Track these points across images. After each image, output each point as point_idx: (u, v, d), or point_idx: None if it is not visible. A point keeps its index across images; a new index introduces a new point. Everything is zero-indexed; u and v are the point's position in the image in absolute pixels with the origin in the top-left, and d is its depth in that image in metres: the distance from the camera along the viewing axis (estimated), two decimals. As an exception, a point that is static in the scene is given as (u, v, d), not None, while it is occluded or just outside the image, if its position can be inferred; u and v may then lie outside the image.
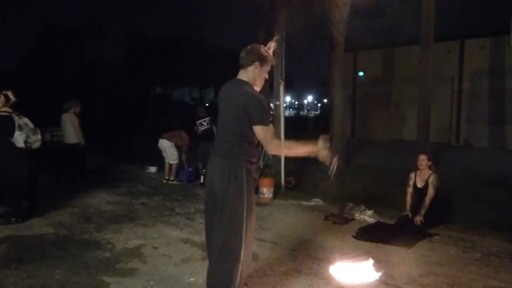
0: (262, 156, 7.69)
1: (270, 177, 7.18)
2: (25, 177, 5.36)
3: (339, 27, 9.34)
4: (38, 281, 3.53)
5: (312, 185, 8.12)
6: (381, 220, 5.74)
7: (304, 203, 6.80)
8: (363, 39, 14.55)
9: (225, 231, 2.76)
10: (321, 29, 11.02)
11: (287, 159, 8.00)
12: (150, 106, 29.58)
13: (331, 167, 3.05)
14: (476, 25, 15.59)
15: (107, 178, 8.63)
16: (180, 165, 8.72)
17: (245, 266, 2.86)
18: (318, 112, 63.44)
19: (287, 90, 8.31)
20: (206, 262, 3.08)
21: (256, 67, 2.83)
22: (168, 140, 8.46)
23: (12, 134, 5.29)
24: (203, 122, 8.60)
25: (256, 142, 2.83)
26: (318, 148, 2.87)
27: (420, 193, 5.51)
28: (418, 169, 5.65)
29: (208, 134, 8.06)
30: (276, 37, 2.88)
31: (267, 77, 2.94)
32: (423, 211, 5.28)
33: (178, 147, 8.58)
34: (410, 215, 5.43)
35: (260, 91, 2.93)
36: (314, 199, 6.92)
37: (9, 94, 5.38)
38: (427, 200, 5.35)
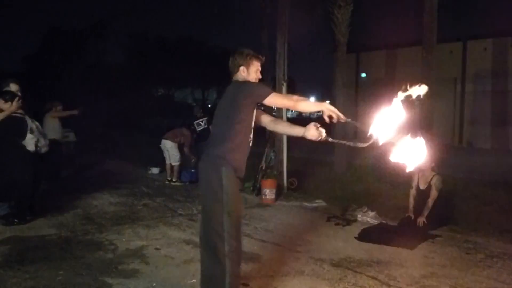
0: (264, 157, 7.69)
1: (272, 178, 7.18)
2: (31, 180, 5.37)
3: (341, 28, 9.34)
4: (40, 282, 3.54)
5: (314, 186, 8.11)
6: (383, 221, 5.73)
7: (307, 204, 6.79)
8: (365, 40, 14.56)
9: (206, 227, 2.88)
10: (324, 30, 11.02)
11: (289, 160, 8.00)
12: (152, 107, 29.63)
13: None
14: (479, 26, 15.56)
15: (109, 179, 8.63)
16: (182, 167, 8.72)
17: (233, 262, 2.85)
18: (321, 113, 63.36)
19: (290, 91, 8.30)
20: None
21: (243, 72, 2.96)
22: (172, 140, 8.45)
23: (24, 136, 5.31)
24: (200, 122, 8.64)
25: (242, 141, 2.88)
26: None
27: (423, 194, 5.49)
28: (420, 170, 5.63)
29: (206, 134, 8.09)
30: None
31: (260, 76, 3.03)
32: (425, 213, 5.27)
33: (181, 145, 8.59)
34: (412, 216, 5.42)
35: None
36: (317, 200, 6.91)
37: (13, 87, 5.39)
38: (430, 201, 5.33)
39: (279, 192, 7.27)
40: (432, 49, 8.61)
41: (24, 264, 3.91)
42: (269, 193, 6.92)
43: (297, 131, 2.97)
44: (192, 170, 8.73)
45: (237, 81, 2.97)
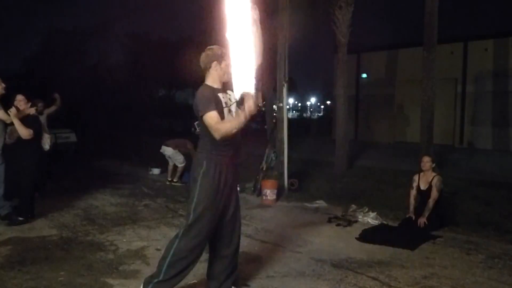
0: (265, 158, 7.70)
1: (273, 179, 7.18)
2: (37, 179, 5.40)
3: (342, 29, 9.35)
4: (41, 283, 3.54)
5: (315, 187, 8.12)
6: (384, 222, 5.73)
7: (307, 205, 6.79)
8: (366, 41, 14.56)
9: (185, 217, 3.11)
10: (325, 30, 11.03)
11: (290, 161, 8.00)
12: (153, 108, 29.64)
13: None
14: (480, 26, 15.56)
15: (110, 180, 8.65)
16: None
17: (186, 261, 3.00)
18: (321, 114, 63.42)
19: (290, 92, 8.30)
20: (209, 264, 3.10)
21: (215, 67, 3.03)
22: (173, 148, 8.45)
23: (41, 135, 5.36)
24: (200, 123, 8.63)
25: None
26: (248, 104, 2.81)
27: (423, 195, 5.49)
28: (421, 171, 5.64)
29: None
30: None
31: (229, 71, 2.97)
32: (426, 213, 5.27)
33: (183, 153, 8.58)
34: (413, 217, 5.42)
35: (263, 94, 3.03)
36: (317, 201, 6.91)
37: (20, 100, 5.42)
38: (431, 202, 5.33)
39: (280, 193, 7.27)
40: (433, 49, 8.63)
41: (25, 264, 3.91)
42: (269, 193, 6.92)
43: (241, 116, 2.84)
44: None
45: (202, 86, 3.06)
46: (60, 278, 3.64)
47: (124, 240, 4.77)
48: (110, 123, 23.43)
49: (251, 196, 7.39)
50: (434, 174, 5.52)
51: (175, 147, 8.46)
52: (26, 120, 5.29)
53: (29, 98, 5.46)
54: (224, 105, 2.99)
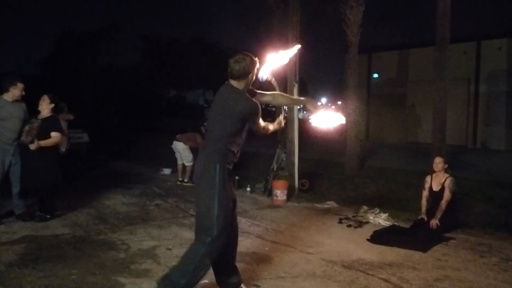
0: (275, 158, 7.69)
1: (283, 180, 7.17)
2: (58, 177, 5.52)
3: (353, 29, 9.29)
4: (54, 280, 3.59)
5: (325, 187, 8.09)
6: (396, 223, 5.69)
7: (318, 205, 6.77)
8: (377, 40, 14.47)
9: (198, 222, 3.07)
10: (335, 30, 10.98)
11: (301, 161, 7.98)
12: (164, 108, 29.83)
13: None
14: (493, 25, 15.37)
15: (121, 180, 8.71)
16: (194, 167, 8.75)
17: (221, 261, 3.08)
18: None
19: (301, 92, 8.30)
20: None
21: (248, 79, 3.04)
22: (184, 143, 8.49)
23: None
24: None
25: (237, 142, 3.03)
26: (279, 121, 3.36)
27: (436, 196, 5.44)
28: (434, 172, 5.59)
29: None
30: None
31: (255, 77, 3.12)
32: (439, 215, 5.22)
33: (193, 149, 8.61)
34: (425, 218, 5.37)
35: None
36: (328, 202, 6.89)
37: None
38: (444, 203, 5.28)
39: (290, 193, 7.27)
40: (445, 49, 8.52)
41: (39, 262, 3.96)
42: (280, 194, 6.91)
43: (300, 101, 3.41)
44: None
45: (239, 92, 3.02)
46: (72, 276, 3.68)
47: (136, 239, 4.80)
48: (122, 123, 23.62)
49: (261, 196, 7.39)
50: (446, 175, 5.47)
51: (186, 141, 8.48)
52: (48, 121, 5.39)
53: (52, 100, 5.55)
54: None
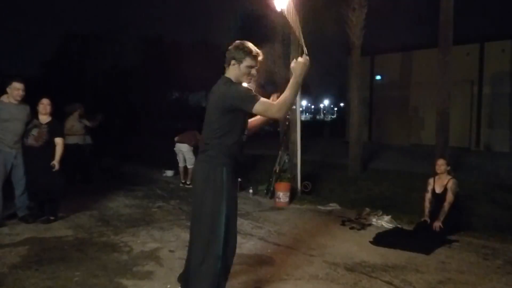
0: (278, 160, 7.69)
1: (286, 182, 7.16)
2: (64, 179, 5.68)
3: (356, 31, 9.30)
4: (57, 282, 3.59)
5: (328, 189, 8.08)
6: (399, 225, 5.67)
7: (321, 207, 6.76)
8: (380, 43, 14.47)
9: (204, 229, 2.81)
10: (338, 32, 10.99)
11: (303, 163, 7.97)
12: (167, 111, 29.86)
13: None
14: (497, 27, 15.34)
15: (124, 182, 8.74)
16: None
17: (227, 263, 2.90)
18: (335, 116, 63.16)
19: (304, 94, 8.29)
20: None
21: (232, 65, 2.83)
22: (188, 144, 8.47)
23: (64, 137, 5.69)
24: None
25: (237, 139, 2.83)
26: (299, 65, 2.72)
27: (439, 198, 5.42)
28: (436, 174, 5.57)
29: None
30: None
31: (254, 72, 2.86)
32: (442, 217, 5.20)
33: (196, 148, 8.63)
34: (428, 221, 5.35)
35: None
36: (331, 204, 6.87)
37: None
38: (446, 205, 5.26)
39: (293, 195, 7.26)
40: (448, 51, 8.51)
41: (42, 264, 3.97)
42: (282, 196, 6.91)
43: (293, 81, 2.71)
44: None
45: (227, 80, 2.83)
46: (75, 278, 3.69)
47: (138, 241, 4.81)
48: (124, 125, 23.67)
49: (264, 198, 7.39)
50: (449, 177, 5.45)
51: (189, 141, 8.47)
52: (51, 126, 5.49)
53: (52, 102, 5.62)
54: None
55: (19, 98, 5.29)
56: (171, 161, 9.45)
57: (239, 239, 3.28)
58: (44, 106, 5.49)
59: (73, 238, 4.87)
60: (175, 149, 8.64)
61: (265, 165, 8.18)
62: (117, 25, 29.13)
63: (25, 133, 5.34)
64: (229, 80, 2.83)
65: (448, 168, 5.54)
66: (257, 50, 2.84)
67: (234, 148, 2.84)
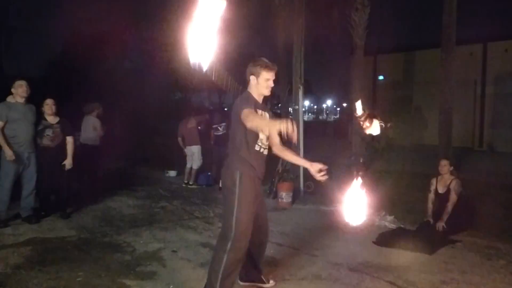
0: (281, 160, 7.68)
1: (289, 182, 7.17)
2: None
3: (359, 31, 9.28)
4: (60, 282, 3.60)
5: (331, 190, 8.06)
6: (402, 226, 5.66)
7: (323, 208, 6.75)
8: (383, 43, 14.46)
9: (222, 227, 3.29)
10: (341, 33, 10.98)
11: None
12: (170, 111, 29.86)
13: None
14: (499, 27, 15.29)
15: (127, 182, 8.74)
16: (199, 170, 8.77)
17: (240, 255, 3.15)
18: (338, 116, 63.06)
19: (306, 94, 8.30)
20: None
21: (252, 80, 3.22)
22: (198, 143, 8.55)
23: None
24: (218, 128, 8.69)
25: (258, 148, 3.22)
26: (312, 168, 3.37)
27: (442, 198, 5.41)
28: (439, 174, 5.56)
29: (222, 139, 8.13)
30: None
31: (271, 83, 3.22)
32: (445, 217, 5.19)
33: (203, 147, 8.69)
34: (431, 221, 5.34)
35: (273, 96, 3.29)
36: (334, 204, 6.85)
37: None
38: (449, 206, 5.25)
39: (296, 196, 7.26)
40: (451, 51, 8.49)
41: (45, 265, 3.98)
42: (285, 196, 6.90)
43: (302, 162, 3.49)
44: (209, 174, 8.78)
45: (243, 93, 3.27)
46: (78, 279, 3.69)
47: (141, 241, 4.81)
48: (127, 125, 23.69)
49: (267, 198, 7.37)
50: (452, 177, 5.44)
51: (198, 140, 8.49)
52: (61, 125, 5.60)
53: (57, 102, 5.69)
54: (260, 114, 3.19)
55: (25, 95, 5.29)
56: (174, 161, 9.48)
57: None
58: (50, 106, 5.54)
59: (76, 239, 4.88)
60: (186, 151, 8.68)
61: (268, 165, 8.16)
62: (119, 24, 29.08)
63: (38, 134, 5.42)
64: (246, 92, 3.25)
65: (451, 168, 5.53)
66: (271, 63, 3.21)
67: (251, 158, 3.19)
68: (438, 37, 8.87)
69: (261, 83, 3.19)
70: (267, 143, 3.29)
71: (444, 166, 5.49)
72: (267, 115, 3.27)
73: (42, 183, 5.51)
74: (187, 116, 8.99)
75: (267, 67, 3.17)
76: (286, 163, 7.72)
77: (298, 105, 7.98)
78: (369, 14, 9.31)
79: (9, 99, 5.29)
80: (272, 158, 3.50)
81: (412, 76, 17.82)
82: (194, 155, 8.61)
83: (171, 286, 3.59)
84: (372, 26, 9.61)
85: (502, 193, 7.40)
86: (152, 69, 30.26)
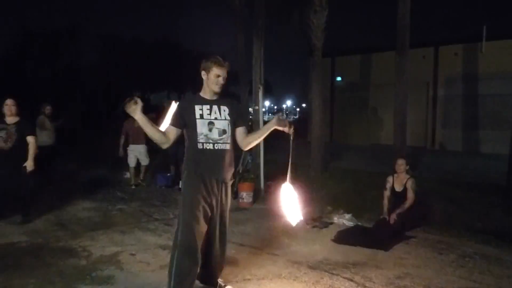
0: (241, 160, 7.68)
1: (249, 182, 7.17)
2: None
3: (317, 32, 9.43)
4: (10, 291, 3.43)
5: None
6: (359, 223, 5.80)
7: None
8: (341, 44, 14.77)
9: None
10: (300, 34, 11.11)
11: (266, 164, 8.01)
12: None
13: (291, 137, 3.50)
14: (450, 31, 16.04)
15: (83, 184, 8.45)
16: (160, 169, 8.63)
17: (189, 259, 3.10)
18: (297, 116, 63.92)
19: (266, 95, 8.34)
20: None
21: (203, 76, 3.23)
22: (143, 142, 8.24)
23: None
24: None
25: (201, 146, 3.18)
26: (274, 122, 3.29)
27: (398, 196, 5.58)
28: (395, 172, 5.73)
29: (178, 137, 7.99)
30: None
31: (221, 80, 3.19)
32: (398, 210, 5.33)
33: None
34: (387, 218, 5.49)
35: (238, 97, 3.28)
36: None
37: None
38: (407, 203, 5.40)
39: (256, 196, 7.27)
40: (405, 53, 8.80)
41: (-7, 272, 3.78)
42: (246, 196, 6.91)
43: (266, 130, 3.36)
44: (168, 174, 8.64)
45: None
46: (30, 286, 3.53)
47: (97, 245, 4.67)
48: (84, 125, 22.93)
49: (227, 199, 7.35)
50: (407, 176, 5.61)
51: (142, 138, 8.11)
52: (20, 125, 5.39)
53: (18, 103, 5.49)
54: (198, 116, 3.16)
55: None
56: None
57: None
58: (9, 107, 5.35)
59: (28, 244, 4.66)
60: (129, 149, 8.41)
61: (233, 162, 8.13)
62: (74, 22, 28.13)
63: None
64: (188, 93, 3.24)
65: (407, 167, 5.71)
66: (224, 61, 3.21)
67: (196, 156, 3.19)
68: (393, 40, 9.18)
69: (211, 79, 3.17)
70: (221, 137, 3.19)
71: (401, 165, 5.66)
72: (217, 110, 3.21)
73: None
74: None
75: (218, 63, 3.16)
76: (246, 163, 7.74)
77: (258, 105, 8.01)
78: (327, 16, 9.48)
79: None
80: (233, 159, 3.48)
81: (368, 78, 18.35)
82: (141, 154, 8.41)
83: (129, 290, 3.51)
84: (330, 28, 9.80)
85: (453, 190, 7.74)
86: (109, 66, 29.51)
